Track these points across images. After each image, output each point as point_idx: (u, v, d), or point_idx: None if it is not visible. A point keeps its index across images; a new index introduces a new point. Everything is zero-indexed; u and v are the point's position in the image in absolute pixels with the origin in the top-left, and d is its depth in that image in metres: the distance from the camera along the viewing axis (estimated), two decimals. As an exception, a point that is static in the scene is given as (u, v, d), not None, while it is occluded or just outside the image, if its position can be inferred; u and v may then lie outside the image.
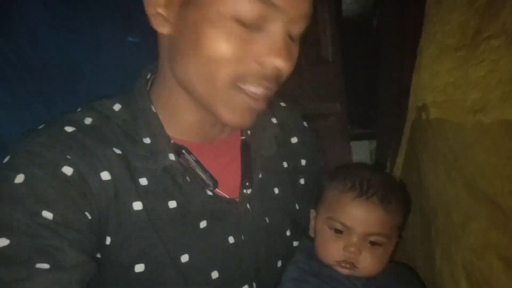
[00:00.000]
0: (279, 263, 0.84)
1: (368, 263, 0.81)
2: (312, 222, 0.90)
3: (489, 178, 0.79)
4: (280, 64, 0.64)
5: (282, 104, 0.94)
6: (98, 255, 0.67)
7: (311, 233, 0.90)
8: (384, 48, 1.58)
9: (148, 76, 0.77)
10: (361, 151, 1.84)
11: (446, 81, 0.94)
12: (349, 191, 0.83)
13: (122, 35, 1.26)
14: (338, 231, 0.83)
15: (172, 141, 0.73)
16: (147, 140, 0.71)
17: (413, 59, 1.12)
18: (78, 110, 0.72)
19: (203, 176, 0.73)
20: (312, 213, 0.91)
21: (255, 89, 0.66)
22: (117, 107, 0.74)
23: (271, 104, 0.89)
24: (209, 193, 0.74)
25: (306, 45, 1.77)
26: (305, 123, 0.96)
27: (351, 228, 0.81)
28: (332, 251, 0.83)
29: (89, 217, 0.64)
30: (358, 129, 1.88)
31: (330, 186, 0.87)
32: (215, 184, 0.74)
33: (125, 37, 1.28)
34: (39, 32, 1.06)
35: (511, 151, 0.76)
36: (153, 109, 0.73)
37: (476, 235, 0.81)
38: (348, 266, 0.81)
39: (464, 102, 0.88)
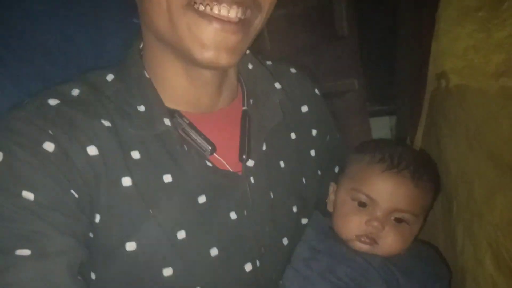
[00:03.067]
0: (285, 241, 0.79)
1: (390, 240, 0.77)
2: (331, 196, 0.86)
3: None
4: None
5: (293, 70, 0.88)
6: (91, 235, 0.63)
7: (329, 208, 0.86)
8: (401, 19, 1.52)
9: (141, 46, 0.73)
10: (381, 128, 1.77)
11: (466, 44, 0.88)
12: (378, 163, 0.78)
13: (126, 17, 1.23)
14: (362, 204, 0.78)
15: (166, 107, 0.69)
16: (141, 108, 0.67)
17: (432, 27, 1.05)
18: (68, 81, 0.68)
19: (198, 140, 0.68)
20: (332, 186, 0.86)
21: (219, 9, 0.59)
22: (110, 77, 0.70)
23: (275, 69, 0.83)
24: (209, 164, 0.70)
25: (321, 21, 1.72)
26: (316, 90, 0.90)
27: (376, 202, 0.77)
28: (353, 224, 0.78)
29: (76, 196, 0.60)
30: (377, 105, 1.81)
31: (357, 158, 0.82)
32: (213, 148, 0.69)
33: (129, 19, 1.24)
34: (39, 13, 1.03)
35: None
36: (146, 75, 0.70)
37: (501, 209, 0.75)
38: (368, 241, 0.77)
39: (486, 66, 0.82)
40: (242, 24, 0.62)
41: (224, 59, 0.62)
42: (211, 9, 0.59)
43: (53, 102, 0.63)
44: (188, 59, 0.64)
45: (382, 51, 1.72)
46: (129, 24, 1.22)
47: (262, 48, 1.51)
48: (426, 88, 1.12)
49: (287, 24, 1.60)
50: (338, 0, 1.67)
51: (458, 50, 0.90)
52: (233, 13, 0.60)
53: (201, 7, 0.59)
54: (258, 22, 0.66)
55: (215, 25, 0.60)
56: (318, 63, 1.72)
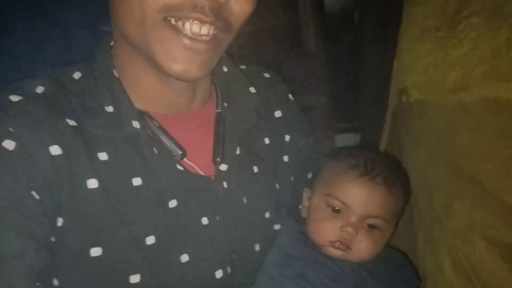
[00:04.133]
0: (257, 247, 0.78)
1: (363, 246, 0.77)
2: (305, 202, 0.86)
3: (472, 156, 0.76)
4: None
5: (266, 74, 0.89)
6: (53, 239, 0.61)
7: (303, 214, 0.85)
8: (365, 38, 1.57)
9: (111, 43, 0.72)
10: (346, 145, 1.81)
11: (426, 62, 0.92)
12: (352, 169, 0.78)
13: (94, 24, 1.22)
14: (335, 210, 0.78)
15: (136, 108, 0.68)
16: (109, 108, 0.66)
17: (394, 46, 1.09)
18: (33, 78, 0.66)
19: (168, 144, 0.67)
20: (306, 192, 0.86)
21: (191, 26, 0.61)
22: (77, 75, 0.68)
23: (250, 73, 0.84)
24: (180, 168, 0.68)
25: (288, 38, 1.76)
26: (290, 96, 0.91)
27: (350, 207, 0.77)
28: (327, 230, 0.78)
29: (37, 197, 0.58)
30: (342, 122, 1.85)
31: (331, 164, 0.83)
32: (183, 153, 0.68)
33: (96, 25, 1.23)
34: (5, 18, 1.01)
35: (493, 129, 0.75)
36: (116, 74, 0.68)
37: (459, 216, 0.78)
38: (341, 247, 0.77)
39: (444, 82, 0.86)
40: (213, 42, 0.64)
41: (193, 73, 0.63)
42: (183, 24, 0.61)
43: (15, 98, 0.61)
44: (159, 69, 0.64)
45: (348, 69, 1.77)
46: (97, 29, 1.21)
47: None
48: (389, 104, 1.16)
49: (255, 40, 1.63)
50: (305, 18, 1.71)
51: (419, 67, 0.93)
52: (205, 30, 0.61)
53: (173, 21, 0.60)
54: (228, 40, 0.67)
55: (186, 42, 0.61)
56: (285, 79, 1.76)
